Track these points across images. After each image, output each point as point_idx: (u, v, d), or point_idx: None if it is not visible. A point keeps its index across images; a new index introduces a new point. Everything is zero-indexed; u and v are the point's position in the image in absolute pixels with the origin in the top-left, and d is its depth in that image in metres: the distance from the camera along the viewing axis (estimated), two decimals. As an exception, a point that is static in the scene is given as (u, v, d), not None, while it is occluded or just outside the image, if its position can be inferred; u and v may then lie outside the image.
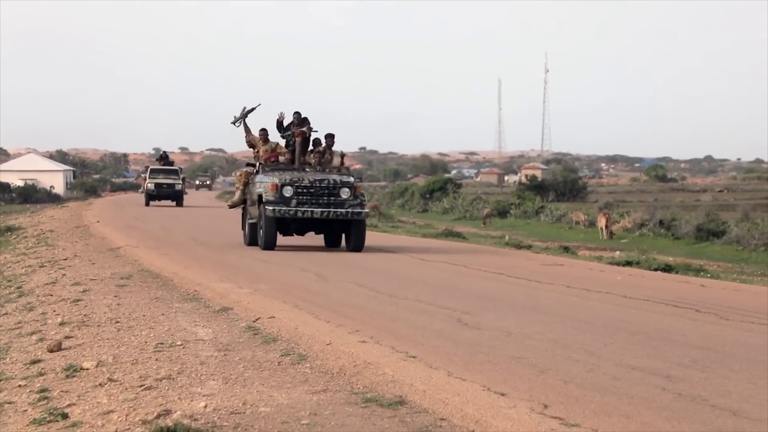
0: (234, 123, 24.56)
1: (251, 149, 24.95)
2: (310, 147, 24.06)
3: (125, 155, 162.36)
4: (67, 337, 11.47)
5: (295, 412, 7.37)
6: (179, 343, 10.49)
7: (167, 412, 7.49)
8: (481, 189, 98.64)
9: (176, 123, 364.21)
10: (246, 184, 24.26)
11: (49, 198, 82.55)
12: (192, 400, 7.88)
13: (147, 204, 52.25)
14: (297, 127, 23.82)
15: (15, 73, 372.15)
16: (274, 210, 21.93)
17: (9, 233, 34.05)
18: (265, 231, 22.18)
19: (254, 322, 11.68)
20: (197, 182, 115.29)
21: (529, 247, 27.95)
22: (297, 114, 24.01)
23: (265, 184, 22.55)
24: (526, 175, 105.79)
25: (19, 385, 9.52)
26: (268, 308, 12.45)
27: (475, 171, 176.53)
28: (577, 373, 8.26)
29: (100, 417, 7.84)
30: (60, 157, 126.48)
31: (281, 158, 23.90)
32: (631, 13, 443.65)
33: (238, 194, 24.80)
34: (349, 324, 10.96)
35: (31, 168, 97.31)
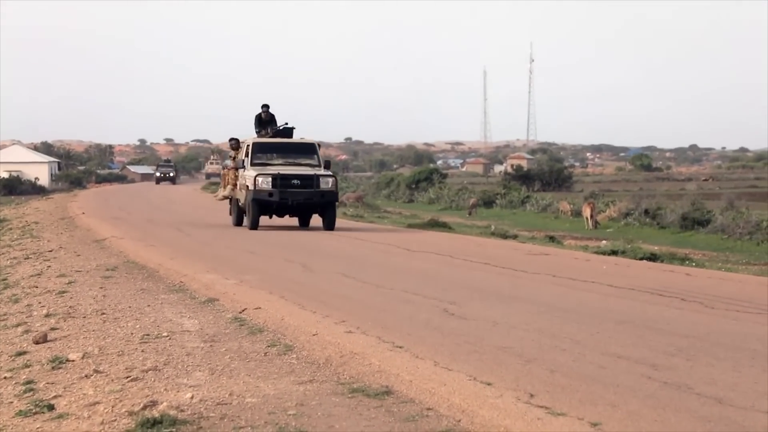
0: None
1: None
2: None
3: (110, 146, 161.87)
4: (52, 329, 11.45)
5: (281, 402, 7.37)
6: (165, 334, 10.48)
7: (153, 404, 7.49)
8: (467, 179, 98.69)
9: (161, 114, 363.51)
10: None
11: (34, 190, 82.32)
12: (178, 392, 7.88)
13: (253, 225, 26.02)
14: None
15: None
16: None
17: (-6, 225, 33.93)
18: None
19: (240, 313, 11.68)
20: (158, 174, 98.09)
21: (515, 236, 27.99)
22: None
23: None
24: (512, 165, 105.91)
25: (5, 377, 9.49)
26: (254, 299, 12.44)
27: (461, 161, 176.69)
28: (563, 363, 8.28)
29: (86, 408, 7.83)
30: (45, 148, 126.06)
31: None
32: (617, 3, 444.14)
33: None
34: (336, 314, 10.96)
35: (15, 159, 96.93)
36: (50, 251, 21.44)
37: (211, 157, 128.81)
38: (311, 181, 25.77)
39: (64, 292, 14.45)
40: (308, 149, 27.22)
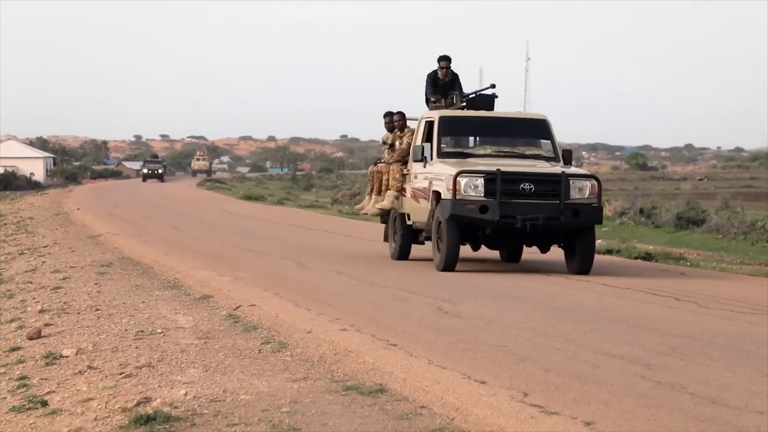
0: None
1: None
2: None
3: (105, 142, 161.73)
4: (46, 325, 11.44)
5: (275, 400, 7.37)
6: (159, 330, 10.48)
7: (147, 400, 7.48)
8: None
9: (157, 110, 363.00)
10: None
11: (29, 185, 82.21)
12: (172, 388, 7.87)
13: (448, 262, 15.41)
14: None
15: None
16: None
17: (-12, 220, 33.90)
18: None
19: (235, 310, 11.68)
20: (145, 170, 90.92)
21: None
22: None
23: None
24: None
25: (-1, 373, 9.49)
26: (248, 296, 12.44)
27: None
28: (557, 361, 8.29)
29: (79, 404, 7.82)
30: (40, 144, 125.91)
31: None
32: (613, 2, 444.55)
33: None
34: (330, 312, 10.97)
35: (10, 155, 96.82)
36: (45, 247, 21.44)
37: (198, 153, 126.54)
38: (557, 185, 15.10)
39: (58, 288, 14.45)
40: (535, 129, 16.88)
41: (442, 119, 16.59)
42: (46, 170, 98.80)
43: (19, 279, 16.28)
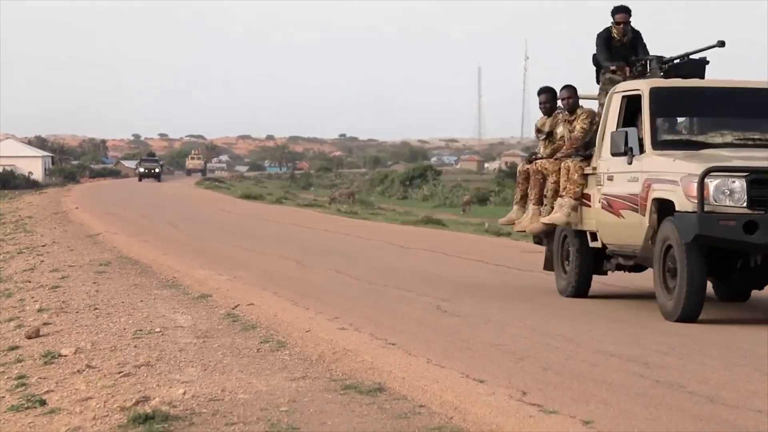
0: None
1: None
2: None
3: (104, 141, 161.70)
4: (45, 324, 11.44)
5: (274, 399, 7.37)
6: (158, 329, 10.48)
7: (146, 399, 7.48)
8: (461, 176, 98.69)
9: (155, 109, 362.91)
10: None
11: (28, 184, 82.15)
12: (171, 387, 7.87)
13: (689, 309, 10.26)
14: None
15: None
16: None
17: (-13, 219, 33.89)
18: None
19: (233, 309, 11.68)
20: (141, 170, 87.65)
21: (508, 234, 27.98)
22: None
23: None
24: (506, 163, 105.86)
25: (-3, 372, 9.49)
26: (247, 295, 12.44)
27: (455, 158, 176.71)
28: (555, 360, 8.28)
29: (78, 404, 7.82)
30: (39, 143, 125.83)
31: None
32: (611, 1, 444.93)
33: None
34: (329, 311, 10.96)
35: (9, 154, 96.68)
36: (43, 246, 21.43)
37: (192, 151, 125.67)
38: None
39: (57, 287, 14.45)
40: None
41: (654, 92, 11.33)
42: (45, 169, 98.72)
43: (17, 278, 16.28)
